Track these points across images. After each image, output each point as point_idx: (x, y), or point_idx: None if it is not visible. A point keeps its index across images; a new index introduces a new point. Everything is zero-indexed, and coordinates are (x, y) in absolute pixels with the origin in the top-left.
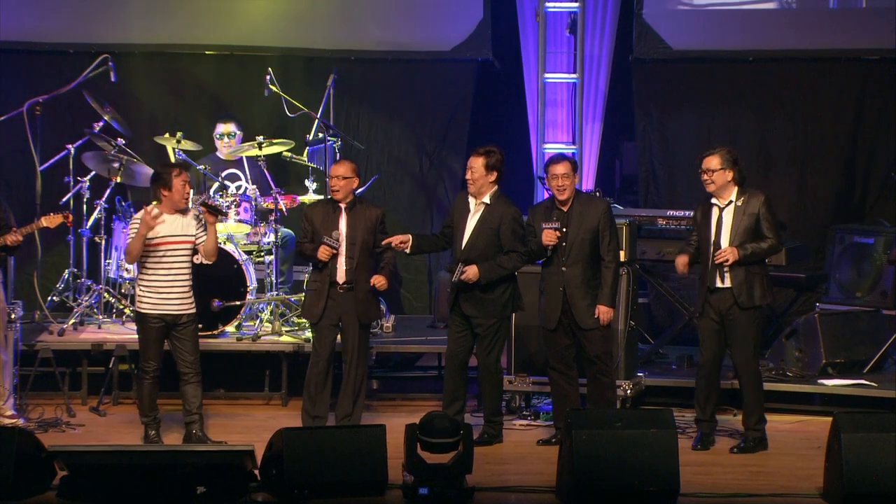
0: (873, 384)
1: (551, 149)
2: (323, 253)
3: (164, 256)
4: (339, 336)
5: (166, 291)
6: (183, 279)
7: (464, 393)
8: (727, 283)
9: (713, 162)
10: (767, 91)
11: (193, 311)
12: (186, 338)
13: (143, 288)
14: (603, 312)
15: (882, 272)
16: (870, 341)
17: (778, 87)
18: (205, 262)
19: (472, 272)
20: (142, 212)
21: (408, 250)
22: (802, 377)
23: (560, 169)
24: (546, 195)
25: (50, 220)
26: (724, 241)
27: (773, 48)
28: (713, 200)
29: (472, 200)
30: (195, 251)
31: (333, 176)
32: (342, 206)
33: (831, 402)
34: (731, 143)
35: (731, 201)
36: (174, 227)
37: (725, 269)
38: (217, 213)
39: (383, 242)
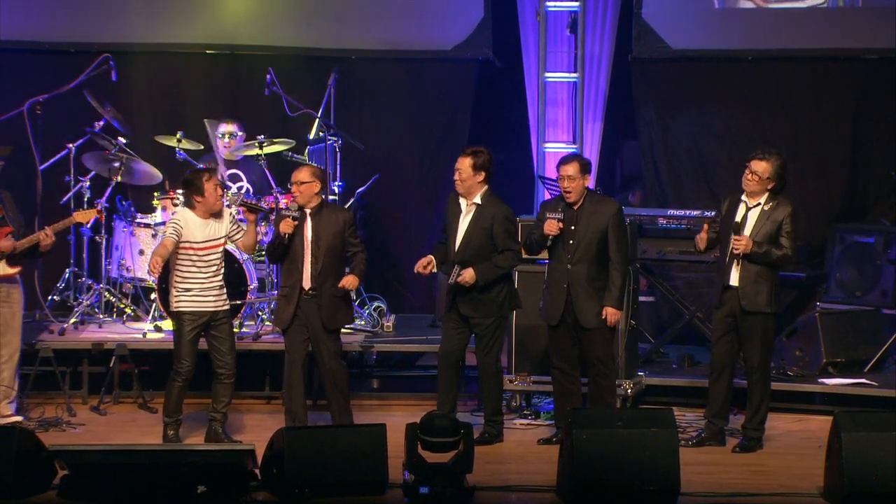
0: (874, 383)
1: (552, 148)
2: (285, 225)
3: (199, 260)
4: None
5: (202, 291)
6: (217, 279)
7: (456, 391)
8: (735, 283)
9: (763, 167)
10: (767, 90)
11: (228, 307)
12: (224, 336)
13: (178, 289)
14: (610, 314)
15: (882, 271)
16: (870, 340)
17: (778, 86)
18: (242, 248)
19: (468, 275)
20: (172, 230)
21: (433, 269)
22: (803, 376)
23: (568, 170)
24: (546, 194)
25: (83, 216)
26: None
27: (772, 48)
28: (743, 197)
29: (463, 201)
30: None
31: (293, 182)
32: (307, 210)
33: (832, 401)
34: (730, 142)
35: (759, 203)
36: (207, 232)
37: (737, 259)
38: (257, 210)
39: (417, 268)
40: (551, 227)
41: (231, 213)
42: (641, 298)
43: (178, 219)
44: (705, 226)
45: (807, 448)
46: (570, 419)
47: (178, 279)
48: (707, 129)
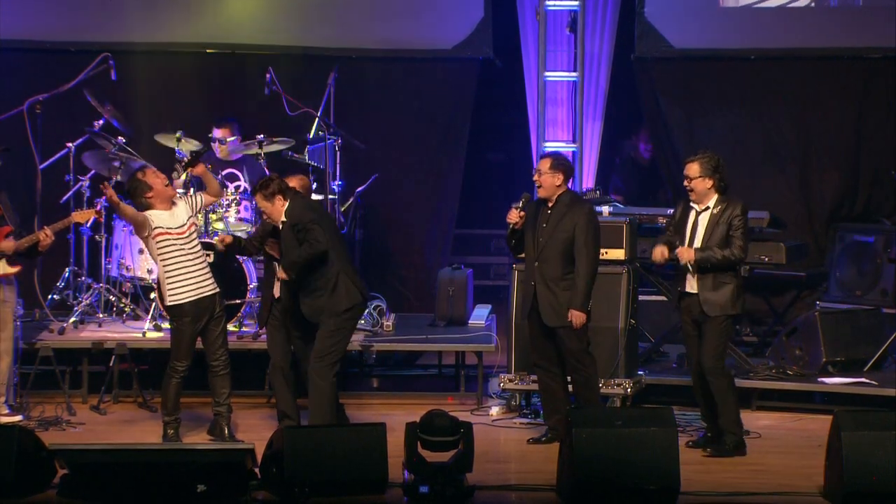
0: (874, 382)
1: (552, 147)
2: None
3: (183, 244)
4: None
5: (197, 273)
6: (203, 262)
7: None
8: (694, 289)
9: (692, 169)
10: (769, 89)
11: (219, 290)
12: (219, 331)
13: (172, 280)
14: (574, 316)
15: (882, 270)
16: (870, 340)
17: (780, 85)
18: (212, 199)
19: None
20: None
21: None
22: (803, 375)
23: (540, 165)
24: None
25: (81, 216)
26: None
27: (775, 47)
28: (692, 203)
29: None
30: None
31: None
32: None
33: (832, 400)
34: (734, 141)
35: (708, 207)
36: (176, 220)
37: (690, 271)
38: (197, 159)
39: None
40: (511, 215)
41: (182, 197)
42: (642, 298)
43: (147, 214)
44: (662, 248)
45: (807, 448)
46: (570, 418)
47: (169, 270)
48: (710, 129)
